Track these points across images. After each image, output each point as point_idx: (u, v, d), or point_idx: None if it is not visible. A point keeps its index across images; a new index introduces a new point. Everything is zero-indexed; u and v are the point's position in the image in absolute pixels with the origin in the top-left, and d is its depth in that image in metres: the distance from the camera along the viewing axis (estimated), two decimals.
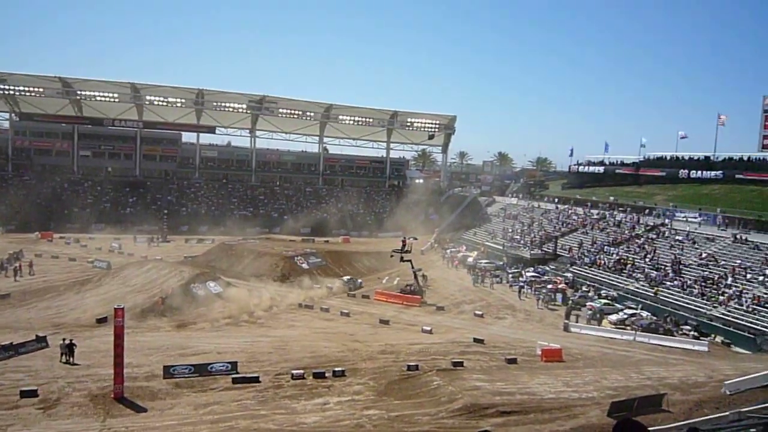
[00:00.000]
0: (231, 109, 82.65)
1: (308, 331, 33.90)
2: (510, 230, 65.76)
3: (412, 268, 45.04)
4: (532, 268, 52.03)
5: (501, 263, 54.93)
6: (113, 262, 48.50)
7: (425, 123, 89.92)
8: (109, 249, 56.74)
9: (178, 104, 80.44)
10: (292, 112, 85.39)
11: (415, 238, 52.91)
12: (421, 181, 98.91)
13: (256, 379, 23.86)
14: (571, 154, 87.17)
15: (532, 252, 56.11)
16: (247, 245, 55.46)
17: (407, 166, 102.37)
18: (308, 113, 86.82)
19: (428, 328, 34.65)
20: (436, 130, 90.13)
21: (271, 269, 48.48)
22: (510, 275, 50.35)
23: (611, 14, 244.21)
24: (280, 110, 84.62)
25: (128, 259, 49.76)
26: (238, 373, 24.42)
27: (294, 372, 24.58)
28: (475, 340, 31.87)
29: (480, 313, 39.83)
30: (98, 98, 76.84)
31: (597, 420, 20.66)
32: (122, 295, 37.59)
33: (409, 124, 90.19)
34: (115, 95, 77.20)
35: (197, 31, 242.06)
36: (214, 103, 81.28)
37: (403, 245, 45.56)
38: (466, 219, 76.57)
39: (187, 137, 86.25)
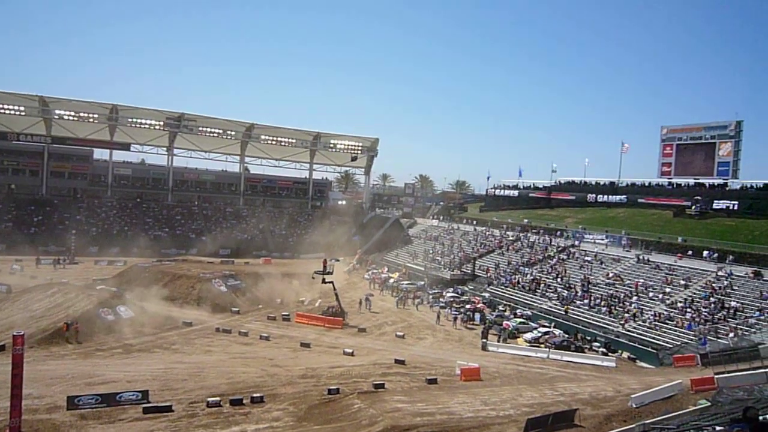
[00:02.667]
0: (147, 126, 79.52)
1: (225, 356, 32.73)
2: (431, 251, 66.93)
3: (334, 289, 44.74)
4: (452, 289, 53.06)
5: (422, 284, 55.68)
6: (14, 285, 45.06)
7: (348, 145, 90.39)
8: (9, 271, 52.68)
9: (90, 120, 76.41)
10: (212, 130, 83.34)
11: (338, 260, 52.68)
12: (344, 202, 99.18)
13: (168, 408, 22.68)
14: (489, 178, 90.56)
15: (451, 273, 57.29)
16: (161, 267, 53.13)
17: (330, 188, 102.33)
18: (229, 132, 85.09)
19: (350, 351, 34.39)
20: (359, 152, 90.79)
21: (187, 292, 46.64)
22: (431, 296, 51.06)
23: (522, 45, 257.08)
24: (200, 128, 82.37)
25: (31, 282, 46.35)
26: (149, 402, 23.14)
27: (209, 399, 23.61)
28: (397, 361, 31.93)
29: (401, 334, 40.02)
30: (2, 111, 71.52)
31: None
32: (23, 320, 34.86)
33: (332, 145, 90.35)
34: (21, 108, 72.29)
35: (112, 45, 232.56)
36: (129, 120, 77.96)
37: (325, 266, 45.22)
38: (389, 240, 77.22)
39: (99, 154, 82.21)
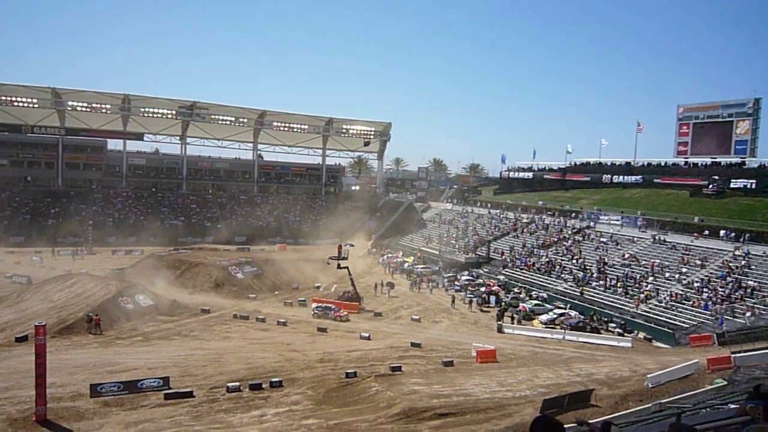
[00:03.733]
0: (160, 115, 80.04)
1: (244, 342, 33.26)
2: (445, 235, 66.98)
3: (350, 274, 45.07)
4: (467, 272, 53.18)
5: (437, 268, 55.83)
6: (34, 277, 45.95)
7: (361, 130, 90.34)
8: (29, 263, 53.70)
9: (103, 110, 77.11)
10: (225, 118, 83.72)
11: (352, 245, 53.04)
12: (358, 187, 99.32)
13: (189, 394, 23.19)
14: (503, 161, 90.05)
15: (466, 256, 57.36)
16: (178, 256, 53.85)
17: (343, 173, 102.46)
18: (241, 119, 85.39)
19: (366, 335, 34.75)
20: (372, 137, 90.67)
21: (205, 280, 47.28)
22: (446, 279, 51.24)
23: (536, 27, 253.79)
24: (212, 116, 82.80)
25: (50, 273, 47.22)
26: (170, 388, 23.67)
27: (229, 385, 24.08)
28: (413, 344, 32.24)
29: (417, 317, 40.31)
30: (16, 104, 72.38)
31: (530, 418, 21.03)
32: (44, 311, 35.62)
33: (344, 131, 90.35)
34: (35, 101, 73.11)
35: (123, 35, 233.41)
36: (142, 109, 78.52)
37: (340, 252, 45.53)
38: (403, 225, 77.37)
39: (113, 144, 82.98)
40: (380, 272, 56.87)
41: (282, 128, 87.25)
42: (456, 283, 49.65)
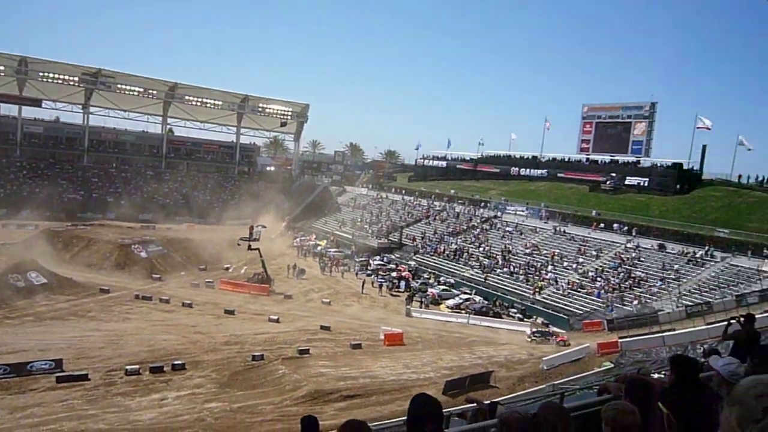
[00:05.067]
0: (60, 81, 74.29)
1: (145, 324, 31.95)
2: (359, 220, 67.35)
3: (261, 256, 44.32)
4: (379, 257, 53.84)
5: (349, 252, 56.08)
6: None
7: (278, 109, 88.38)
8: None
9: None
10: (132, 88, 79.03)
11: (264, 226, 52.05)
12: (273, 168, 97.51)
13: (84, 377, 22.07)
14: (418, 149, 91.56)
15: (379, 241, 58.02)
16: (76, 232, 50.71)
17: (258, 153, 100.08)
18: (151, 91, 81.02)
19: (275, 317, 34.43)
20: (289, 117, 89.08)
21: (105, 258, 44.89)
22: (358, 264, 51.62)
23: (449, 20, 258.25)
24: (119, 86, 77.96)
25: None
26: (63, 371, 22.41)
27: (128, 368, 23.15)
28: (322, 327, 32.32)
29: (328, 300, 40.39)
30: None
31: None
32: None
33: (260, 109, 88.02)
34: None
35: None
36: (41, 74, 72.57)
37: (251, 233, 44.65)
38: (317, 208, 76.93)
39: (7, 110, 76.41)
40: (292, 255, 56.37)
41: (194, 103, 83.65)
42: (368, 267, 50.16)
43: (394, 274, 47.56)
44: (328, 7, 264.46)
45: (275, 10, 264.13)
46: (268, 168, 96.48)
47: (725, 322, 9.77)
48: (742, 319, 9.34)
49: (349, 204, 76.88)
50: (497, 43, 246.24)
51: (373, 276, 47.43)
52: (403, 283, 45.15)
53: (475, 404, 3.41)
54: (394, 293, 43.78)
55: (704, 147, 58.81)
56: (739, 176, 56.39)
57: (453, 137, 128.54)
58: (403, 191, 75.81)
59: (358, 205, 74.42)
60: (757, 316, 23.48)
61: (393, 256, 54.54)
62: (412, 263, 51.27)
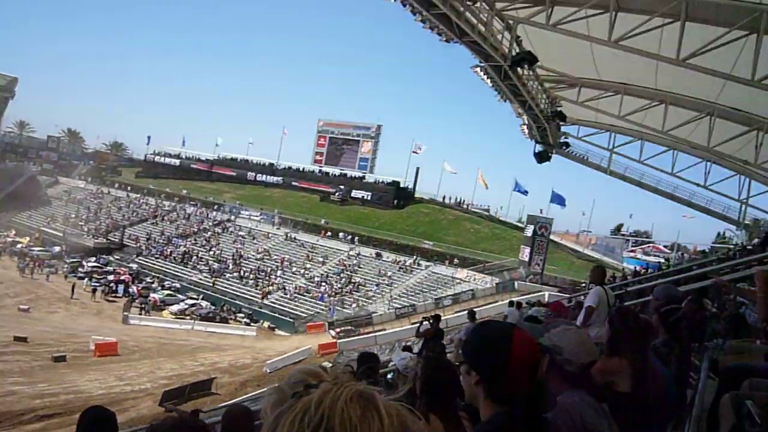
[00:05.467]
0: None
1: None
2: (73, 216, 59.93)
3: None
4: (95, 258, 48.61)
5: (58, 251, 49.43)
6: None
7: None
8: None
9: None
10: None
11: None
12: None
13: None
14: (149, 143, 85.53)
15: (96, 241, 52.43)
16: None
17: None
18: None
19: None
20: None
21: None
22: (68, 265, 45.80)
23: (192, 13, 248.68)
24: None
25: None
26: None
27: None
28: (17, 338, 27.82)
29: (26, 307, 34.89)
30: None
31: (148, 411, 20.78)
32: None
33: None
34: None
35: None
36: None
37: None
38: (20, 199, 66.00)
39: None
40: None
41: None
42: (80, 269, 44.87)
43: (111, 277, 43.35)
44: None
45: None
46: None
47: (419, 323, 11.42)
48: (431, 319, 11.02)
49: (61, 197, 67.76)
50: (238, 43, 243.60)
51: (86, 279, 42.55)
52: (121, 288, 41.46)
53: (173, 412, 3.47)
54: (111, 299, 39.94)
55: (417, 169, 67.67)
56: (444, 197, 65.60)
57: (189, 135, 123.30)
58: (129, 188, 69.82)
59: (73, 200, 66.10)
60: (449, 316, 27.40)
61: (112, 258, 49.78)
62: (134, 266, 47.50)
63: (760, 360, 3.58)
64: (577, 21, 16.94)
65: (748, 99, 19.03)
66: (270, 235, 53.94)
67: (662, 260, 43.25)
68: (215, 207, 61.67)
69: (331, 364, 27.80)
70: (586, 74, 24.20)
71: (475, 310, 19.72)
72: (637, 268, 34.28)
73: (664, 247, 54.43)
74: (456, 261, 46.17)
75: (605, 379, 3.18)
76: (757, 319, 5.30)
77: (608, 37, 16.41)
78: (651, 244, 56.63)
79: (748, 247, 21.51)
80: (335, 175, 69.92)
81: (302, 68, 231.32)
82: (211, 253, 50.00)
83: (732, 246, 31.00)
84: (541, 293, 32.83)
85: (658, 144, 29.80)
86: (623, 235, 65.06)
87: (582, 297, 8.41)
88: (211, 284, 43.78)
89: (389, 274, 45.08)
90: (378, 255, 48.40)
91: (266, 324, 38.93)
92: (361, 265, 47.14)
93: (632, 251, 54.47)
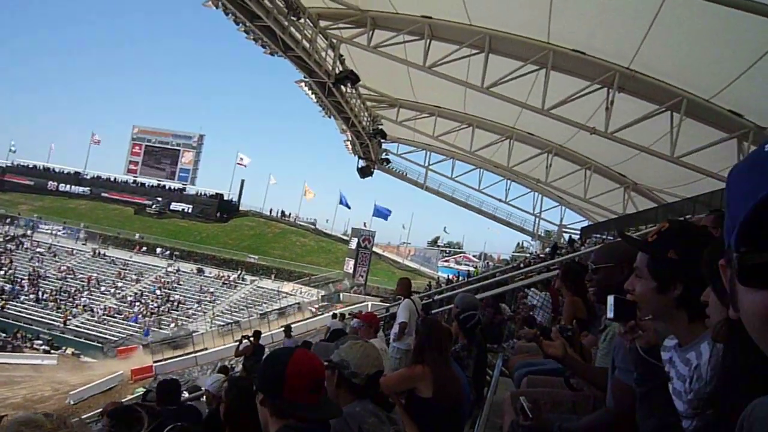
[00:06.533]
0: None
1: None
2: None
3: None
4: None
5: None
6: None
7: None
8: None
9: None
10: None
11: None
12: None
13: None
14: None
15: None
16: None
17: None
18: None
19: None
20: None
21: None
22: None
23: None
24: None
25: None
26: None
27: None
28: None
29: None
30: None
31: None
32: None
33: None
34: None
35: None
36: None
37: None
38: None
39: None
40: None
41: None
42: None
43: None
44: None
45: None
46: None
47: (238, 341, 11.30)
48: (251, 336, 10.99)
49: None
50: (38, 35, 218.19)
51: None
52: None
53: None
54: None
55: (243, 181, 66.32)
56: (270, 210, 64.96)
57: None
58: None
59: None
60: (275, 330, 27.26)
61: None
62: None
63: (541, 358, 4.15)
64: (396, 45, 18.20)
65: (540, 125, 21.89)
66: (74, 251, 48.82)
67: (471, 269, 47.43)
68: (7, 220, 54.33)
69: (145, 389, 26.18)
70: (405, 96, 25.98)
71: (292, 325, 20.00)
72: (450, 277, 37.15)
73: (473, 256, 59.56)
74: (282, 275, 46.00)
75: (409, 386, 3.53)
76: (545, 318, 6.18)
77: (423, 62, 17.86)
78: (462, 254, 61.48)
79: (541, 255, 24.65)
80: (152, 186, 65.68)
81: (113, 69, 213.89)
82: (2, 272, 43.91)
83: (528, 254, 35.15)
84: (365, 303, 34.14)
85: (467, 162, 32.91)
86: (438, 246, 70.02)
87: (396, 307, 9.03)
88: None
89: (212, 290, 43.45)
90: (199, 270, 46.43)
91: (70, 350, 35.21)
92: (181, 282, 44.79)
93: (446, 261, 58.73)
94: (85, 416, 22.68)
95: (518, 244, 54.50)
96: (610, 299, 1.82)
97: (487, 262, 53.15)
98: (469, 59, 17.50)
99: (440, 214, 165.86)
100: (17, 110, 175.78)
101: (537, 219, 36.01)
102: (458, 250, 66.31)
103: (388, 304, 20.62)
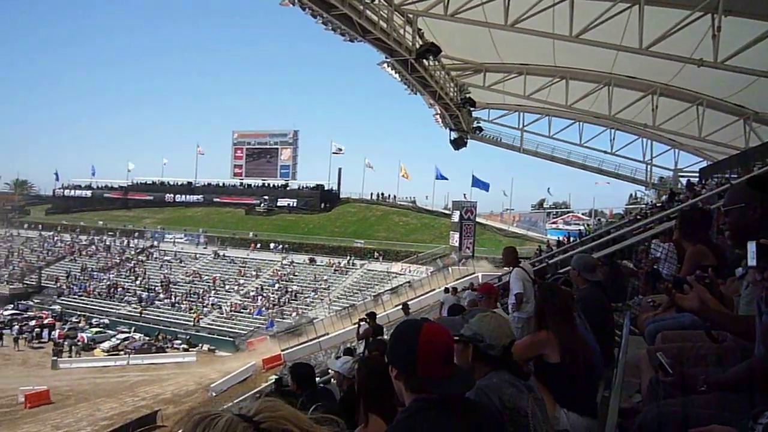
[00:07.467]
0: None
1: None
2: None
3: None
4: (12, 305, 45.68)
5: None
6: None
7: None
8: None
9: None
10: None
11: None
12: None
13: None
14: (57, 178, 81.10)
15: (11, 287, 49.31)
16: None
17: None
18: None
19: None
20: None
21: None
22: None
23: (91, 38, 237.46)
24: None
25: None
26: None
27: None
28: None
29: None
30: None
31: None
32: None
33: None
34: None
35: None
36: None
37: None
38: None
39: None
40: None
41: None
42: None
43: (33, 323, 40.88)
44: None
45: None
46: None
47: (356, 324, 11.60)
48: (366, 318, 11.22)
49: None
50: (144, 63, 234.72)
51: (6, 329, 39.93)
52: (46, 332, 39.19)
53: None
54: (36, 345, 37.75)
55: (340, 169, 67.96)
56: (371, 194, 65.87)
57: (98, 164, 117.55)
58: (41, 226, 66.00)
59: None
60: (390, 310, 27.78)
61: (31, 303, 46.95)
62: (57, 307, 45.00)
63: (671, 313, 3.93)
64: (474, 8, 17.61)
65: (640, 66, 20.43)
66: (197, 255, 52.50)
67: (582, 227, 45.59)
68: (136, 234, 59.34)
69: (278, 376, 27.58)
70: (489, 59, 25.17)
71: (409, 303, 20.19)
72: (560, 239, 35.91)
73: (583, 214, 57.24)
74: (389, 255, 46.69)
75: (536, 353, 3.46)
76: (670, 271, 5.78)
77: (504, 20, 17.18)
78: (570, 214, 59.28)
79: (658, 205, 23.16)
80: (257, 186, 68.85)
81: (209, 82, 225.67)
82: (138, 282, 48.11)
83: (644, 205, 33.19)
84: (475, 275, 33.88)
85: (564, 118, 31.45)
86: (544, 208, 67.92)
87: (506, 277, 8.82)
88: (139, 315, 42.26)
89: (325, 277, 45.01)
90: (311, 260, 48.21)
91: (206, 347, 37.97)
92: (296, 273, 46.79)
93: (554, 223, 56.88)
94: (226, 406, 24.43)
95: (631, 195, 51.61)
96: (752, 246, 1.65)
97: (599, 219, 50.84)
98: (553, 9, 16.60)
99: (541, 176, 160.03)
100: (131, 135, 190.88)
101: (648, 166, 33.76)
102: (565, 209, 64.03)
103: (499, 273, 20.32)
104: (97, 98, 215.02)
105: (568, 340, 3.33)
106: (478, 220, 47.57)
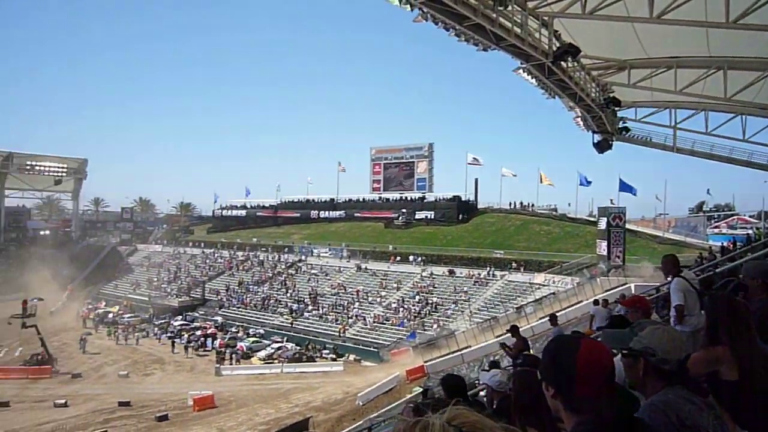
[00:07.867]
0: None
1: None
2: (155, 279, 62.84)
3: (38, 333, 38.86)
4: (181, 316, 50.68)
5: (147, 315, 51.87)
6: None
7: (50, 167, 79.41)
8: None
9: None
10: None
11: (41, 299, 45.99)
12: (48, 232, 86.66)
13: None
14: (216, 200, 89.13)
15: (180, 300, 54.71)
16: None
17: (28, 216, 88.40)
18: None
19: (62, 401, 30.27)
20: (64, 174, 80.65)
21: None
22: (156, 327, 47.92)
23: (238, 66, 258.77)
24: None
25: None
26: None
27: None
28: (121, 403, 29.28)
29: (125, 372, 36.69)
30: None
31: None
32: None
33: (29, 167, 78.25)
34: None
35: None
36: None
37: (25, 308, 39.09)
38: (105, 271, 70.03)
39: None
40: (78, 327, 50.32)
41: None
42: (169, 329, 46.84)
43: (199, 332, 45.01)
44: (96, 54, 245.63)
45: (41, 60, 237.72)
46: (42, 232, 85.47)
47: (501, 339, 11.17)
48: (509, 332, 10.71)
49: (142, 263, 71.38)
50: (287, 90, 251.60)
51: (176, 338, 44.36)
52: (209, 341, 42.92)
53: None
54: (201, 353, 41.43)
55: (476, 180, 67.68)
56: (510, 203, 64.42)
57: (251, 185, 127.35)
58: (203, 244, 72.82)
59: (153, 264, 69.45)
60: (534, 323, 26.70)
61: (197, 314, 51.73)
62: (219, 319, 49.13)
63: None
64: (614, 4, 16.48)
65: None
66: (341, 269, 54.60)
67: (750, 231, 40.73)
68: (285, 249, 63.13)
69: (421, 388, 27.55)
70: (634, 54, 23.35)
71: (557, 314, 19.15)
72: (725, 244, 32.32)
73: (750, 217, 51.31)
74: (531, 266, 45.08)
75: (710, 369, 3.06)
76: None
77: (650, 13, 15.87)
78: (736, 217, 53.43)
79: None
80: (396, 199, 70.36)
81: (348, 100, 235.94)
82: (288, 294, 51.07)
83: None
84: (627, 286, 31.54)
85: (724, 112, 28.26)
86: (704, 212, 61.86)
87: (666, 288, 7.98)
88: (289, 325, 44.69)
89: (465, 289, 44.52)
90: (451, 272, 47.99)
91: (352, 357, 39.16)
92: (436, 285, 46.81)
93: (716, 227, 51.58)
94: (373, 415, 24.89)
95: None
96: None
97: None
98: None
99: (698, 177, 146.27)
100: (279, 158, 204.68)
101: None
102: (729, 212, 57.77)
103: (656, 284, 18.67)
104: (251, 126, 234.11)
105: (747, 356, 2.97)
106: (628, 226, 44.41)
